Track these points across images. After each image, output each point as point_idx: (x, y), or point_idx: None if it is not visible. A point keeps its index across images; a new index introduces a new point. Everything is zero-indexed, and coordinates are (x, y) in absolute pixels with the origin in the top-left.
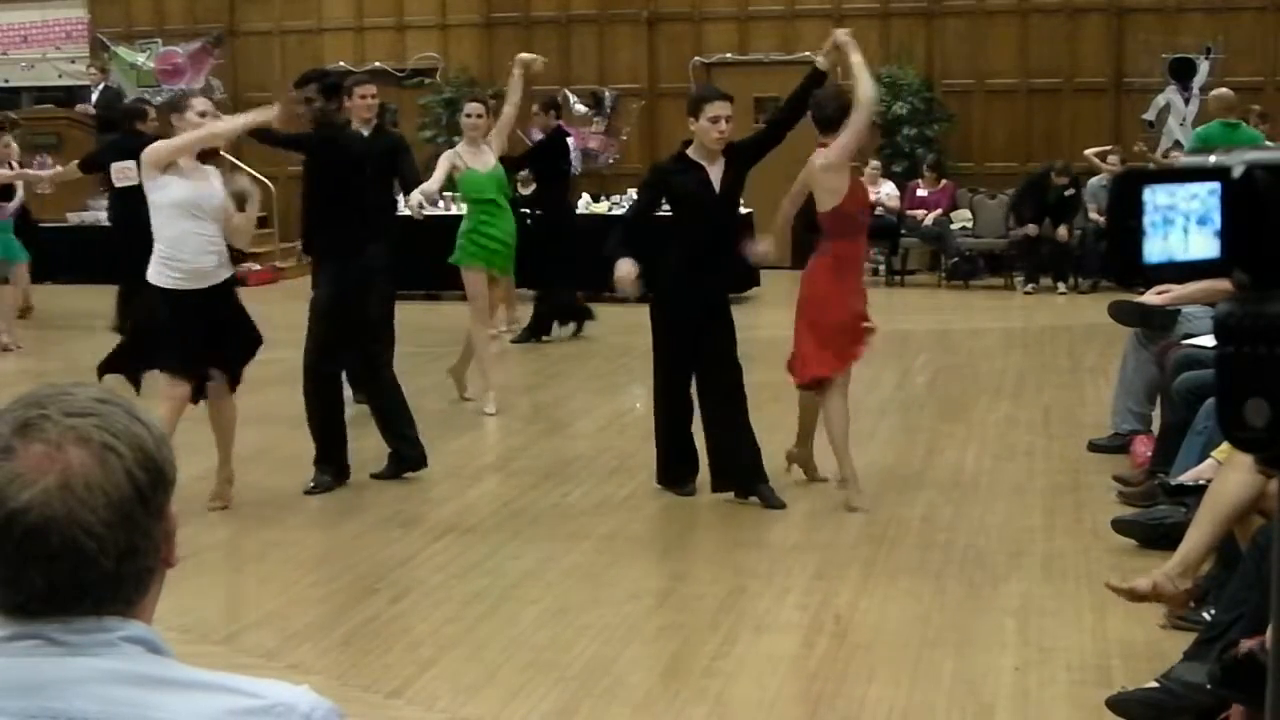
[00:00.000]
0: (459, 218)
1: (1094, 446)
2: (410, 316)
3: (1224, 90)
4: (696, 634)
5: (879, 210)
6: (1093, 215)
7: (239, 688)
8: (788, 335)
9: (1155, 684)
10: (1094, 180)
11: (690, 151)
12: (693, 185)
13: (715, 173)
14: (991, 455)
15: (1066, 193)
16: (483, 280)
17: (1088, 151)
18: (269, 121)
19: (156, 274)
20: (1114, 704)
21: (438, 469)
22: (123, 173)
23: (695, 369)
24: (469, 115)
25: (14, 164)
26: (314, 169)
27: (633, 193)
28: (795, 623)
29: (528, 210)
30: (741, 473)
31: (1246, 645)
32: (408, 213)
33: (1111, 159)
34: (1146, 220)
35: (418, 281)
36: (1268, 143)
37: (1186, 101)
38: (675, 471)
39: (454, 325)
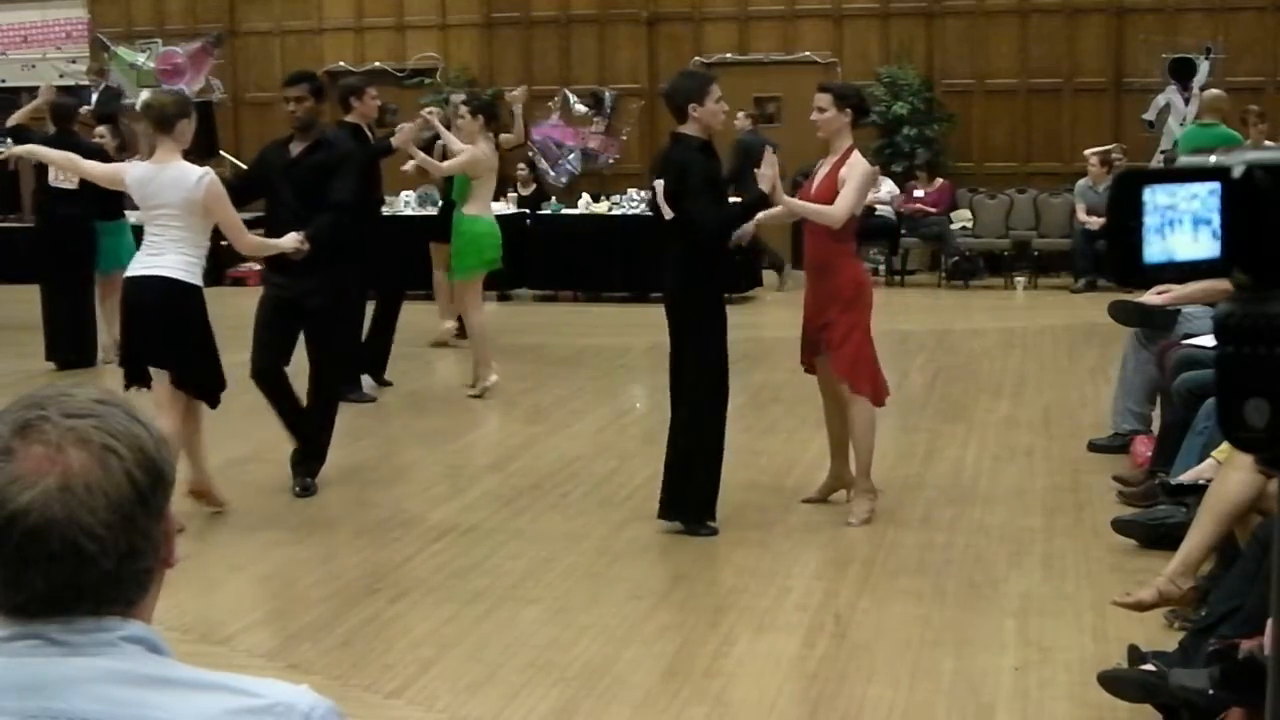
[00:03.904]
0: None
1: (1094, 446)
2: (410, 317)
3: (1210, 91)
4: (696, 634)
5: (879, 210)
6: (1080, 216)
7: (239, 687)
8: (791, 336)
9: (1151, 667)
10: (1081, 182)
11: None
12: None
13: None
14: (991, 455)
15: None
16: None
17: (1087, 152)
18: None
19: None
20: (1105, 680)
21: (438, 469)
22: (63, 174)
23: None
24: (462, 117)
25: None
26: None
27: (633, 192)
28: (795, 623)
29: (528, 210)
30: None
31: (1246, 647)
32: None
33: (1092, 160)
34: (1146, 220)
35: (420, 282)
36: (1267, 142)
37: (1186, 101)
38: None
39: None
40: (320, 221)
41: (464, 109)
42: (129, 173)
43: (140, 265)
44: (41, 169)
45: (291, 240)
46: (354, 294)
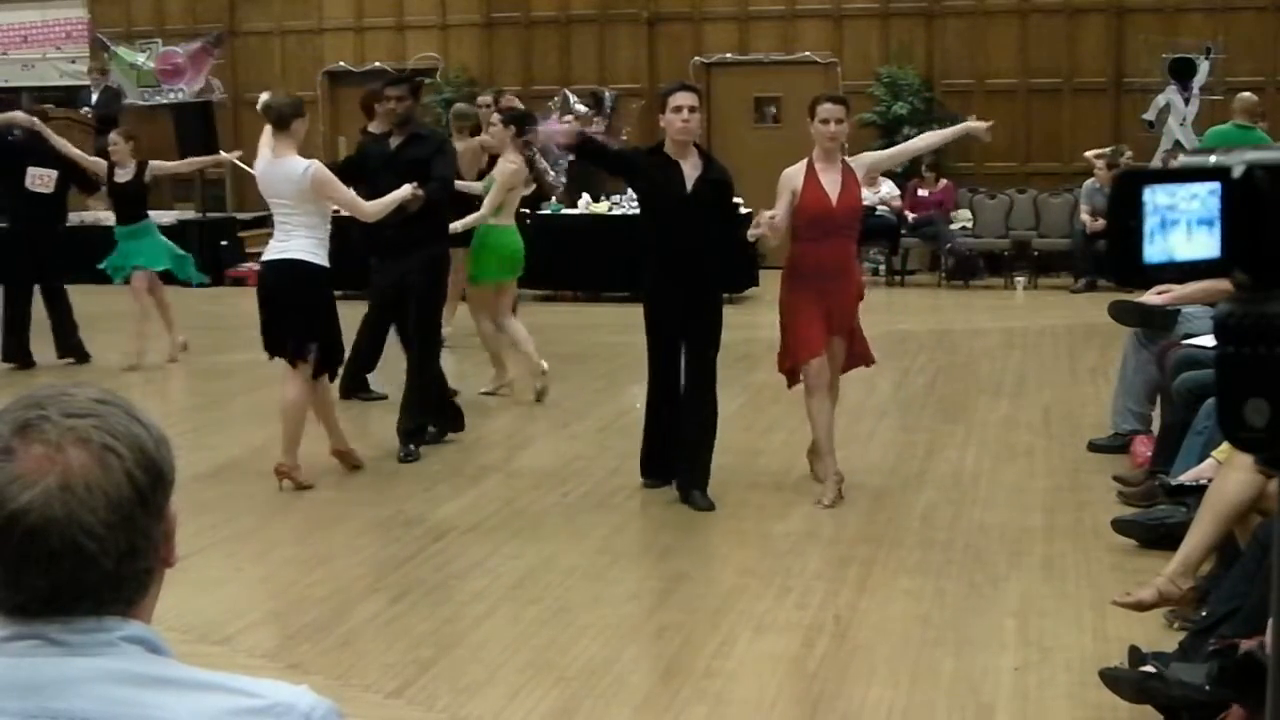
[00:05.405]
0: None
1: (1094, 446)
2: None
3: (1247, 94)
4: (696, 634)
5: (879, 210)
6: (1083, 217)
7: (239, 687)
8: None
9: (1151, 669)
10: (1088, 183)
11: (666, 148)
12: (662, 178)
13: (689, 171)
14: (991, 455)
15: None
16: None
17: (1088, 154)
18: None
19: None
20: (1106, 677)
21: (438, 469)
22: (40, 179)
23: (678, 368)
24: (494, 125)
25: None
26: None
27: (633, 192)
28: (795, 623)
29: (527, 211)
30: (684, 476)
31: (1245, 645)
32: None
33: (1098, 162)
34: (1146, 220)
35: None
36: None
37: (1186, 101)
38: (653, 464)
39: (462, 324)
40: (432, 184)
41: (496, 118)
42: (256, 168)
43: (272, 251)
44: (20, 172)
45: (407, 189)
46: (445, 277)
